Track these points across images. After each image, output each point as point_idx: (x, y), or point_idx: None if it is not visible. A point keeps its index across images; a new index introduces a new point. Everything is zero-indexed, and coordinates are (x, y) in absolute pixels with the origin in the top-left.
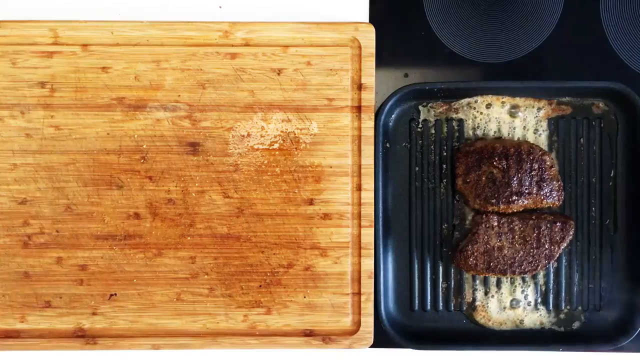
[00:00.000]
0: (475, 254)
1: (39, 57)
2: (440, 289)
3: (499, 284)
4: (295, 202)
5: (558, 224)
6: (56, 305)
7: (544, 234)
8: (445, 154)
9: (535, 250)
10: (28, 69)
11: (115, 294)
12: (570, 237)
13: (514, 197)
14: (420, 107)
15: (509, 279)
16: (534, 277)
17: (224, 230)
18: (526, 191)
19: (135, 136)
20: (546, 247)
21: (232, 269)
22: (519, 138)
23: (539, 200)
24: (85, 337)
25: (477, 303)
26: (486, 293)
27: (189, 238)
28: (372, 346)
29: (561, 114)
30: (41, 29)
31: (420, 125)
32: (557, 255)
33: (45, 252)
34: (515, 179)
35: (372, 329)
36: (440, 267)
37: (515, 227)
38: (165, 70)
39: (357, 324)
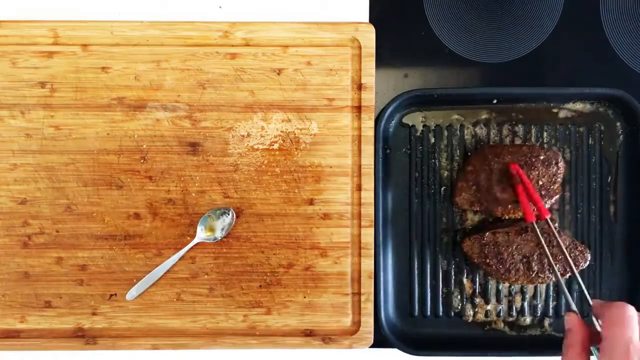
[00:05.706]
0: (485, 240)
1: (39, 57)
2: (441, 295)
3: (498, 291)
4: (295, 202)
5: (579, 248)
6: (56, 305)
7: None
8: (446, 159)
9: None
10: (28, 69)
11: (115, 294)
12: (587, 263)
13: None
14: (420, 113)
15: (508, 284)
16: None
17: None
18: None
19: (135, 136)
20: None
21: (232, 269)
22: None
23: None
24: (85, 337)
25: (477, 309)
26: (485, 299)
27: (188, 238)
28: (371, 346)
29: (562, 119)
30: (41, 29)
31: (420, 132)
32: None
33: (45, 252)
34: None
35: (372, 329)
36: (441, 273)
37: (518, 239)
38: (165, 70)
39: (357, 324)
